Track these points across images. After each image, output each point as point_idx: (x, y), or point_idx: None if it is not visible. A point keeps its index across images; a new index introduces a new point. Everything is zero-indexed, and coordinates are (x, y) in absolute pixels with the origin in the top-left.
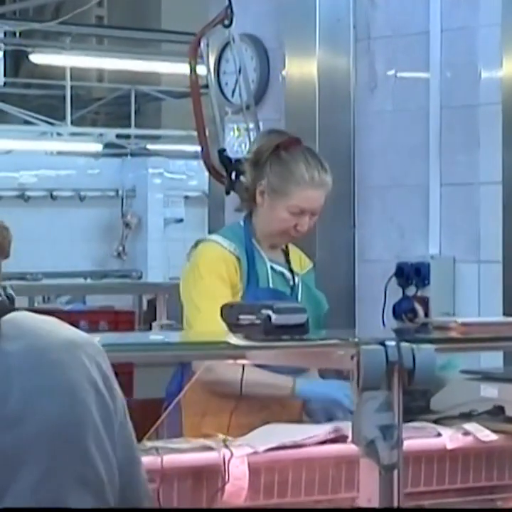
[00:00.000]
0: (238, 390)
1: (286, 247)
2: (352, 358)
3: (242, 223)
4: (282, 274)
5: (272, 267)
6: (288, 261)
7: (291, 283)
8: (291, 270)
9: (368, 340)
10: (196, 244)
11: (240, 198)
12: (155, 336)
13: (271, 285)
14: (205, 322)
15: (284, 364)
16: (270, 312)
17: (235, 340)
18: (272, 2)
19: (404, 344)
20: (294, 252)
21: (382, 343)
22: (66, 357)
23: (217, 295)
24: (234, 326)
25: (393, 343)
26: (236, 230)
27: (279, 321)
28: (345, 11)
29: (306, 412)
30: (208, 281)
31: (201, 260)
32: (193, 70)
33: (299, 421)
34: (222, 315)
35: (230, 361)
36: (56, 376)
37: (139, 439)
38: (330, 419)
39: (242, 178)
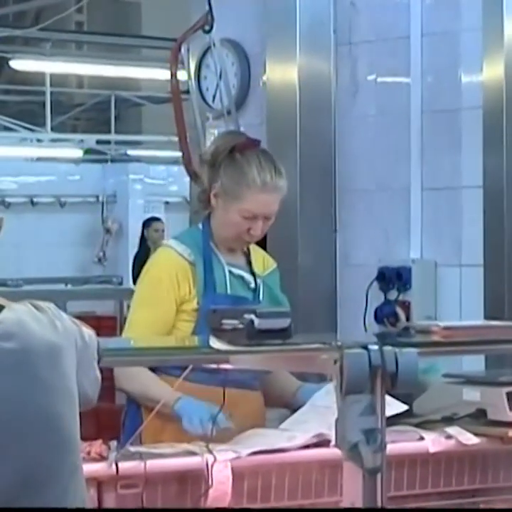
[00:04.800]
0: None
1: (248, 248)
2: (335, 362)
3: (201, 227)
4: (242, 277)
5: (230, 271)
6: (249, 263)
7: (253, 286)
8: (253, 273)
9: (351, 345)
10: (157, 248)
11: (198, 199)
12: (137, 341)
13: (229, 290)
14: (132, 328)
15: (267, 368)
16: (253, 317)
17: (218, 344)
18: (252, 7)
19: (387, 348)
20: (257, 253)
21: (365, 347)
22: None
23: (151, 304)
24: (217, 331)
25: (376, 347)
26: (194, 234)
27: (262, 326)
28: (326, 15)
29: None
30: (148, 290)
31: (150, 267)
32: (173, 75)
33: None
34: (205, 319)
35: (137, 368)
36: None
37: (122, 446)
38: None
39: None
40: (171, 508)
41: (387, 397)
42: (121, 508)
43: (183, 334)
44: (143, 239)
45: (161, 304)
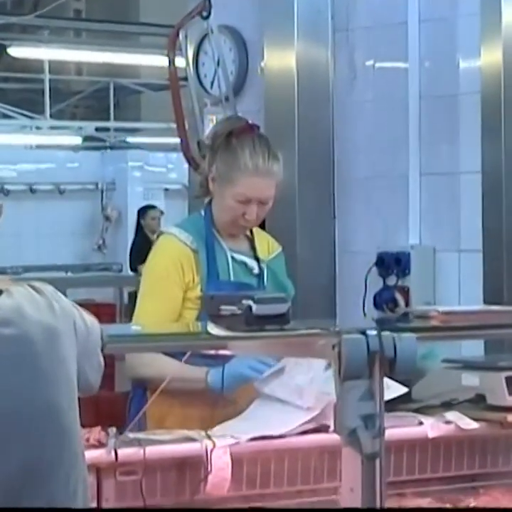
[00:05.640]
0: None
1: (251, 233)
2: (333, 347)
3: (203, 213)
4: (244, 263)
5: (232, 257)
6: (253, 248)
7: (256, 271)
8: (256, 258)
9: (349, 330)
10: (158, 236)
11: (200, 185)
12: (136, 328)
13: (232, 277)
14: (141, 319)
15: (265, 354)
16: (251, 302)
17: (216, 331)
18: None
19: (385, 333)
20: (262, 237)
21: (363, 333)
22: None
23: (159, 294)
24: (215, 317)
25: (374, 332)
26: (196, 220)
27: (260, 311)
28: (323, 2)
29: None
30: (154, 279)
31: (154, 257)
32: (171, 62)
33: None
34: (203, 306)
35: (148, 354)
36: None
37: (121, 432)
38: None
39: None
40: (170, 509)
41: (387, 380)
42: (121, 508)
43: (187, 322)
44: (139, 227)
45: (168, 292)
